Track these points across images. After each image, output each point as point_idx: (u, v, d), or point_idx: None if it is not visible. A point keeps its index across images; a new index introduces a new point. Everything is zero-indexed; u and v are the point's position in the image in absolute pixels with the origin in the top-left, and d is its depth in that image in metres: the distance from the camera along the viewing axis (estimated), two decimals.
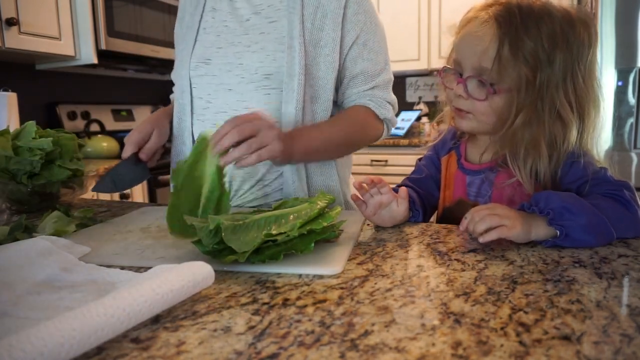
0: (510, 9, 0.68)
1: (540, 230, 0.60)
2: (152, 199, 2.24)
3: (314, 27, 0.92)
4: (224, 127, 0.73)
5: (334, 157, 0.99)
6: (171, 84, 1.12)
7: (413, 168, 0.93)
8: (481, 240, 0.58)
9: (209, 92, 0.96)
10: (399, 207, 0.72)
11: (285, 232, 0.55)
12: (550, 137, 0.69)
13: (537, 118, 0.68)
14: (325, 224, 0.59)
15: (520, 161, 0.70)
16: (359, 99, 0.97)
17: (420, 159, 0.92)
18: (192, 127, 1.00)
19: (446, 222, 0.79)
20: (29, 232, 0.68)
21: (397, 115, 1.03)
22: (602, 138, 0.73)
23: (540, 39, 0.66)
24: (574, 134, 0.69)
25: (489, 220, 0.59)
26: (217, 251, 0.55)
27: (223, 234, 0.53)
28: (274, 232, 0.55)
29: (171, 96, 1.16)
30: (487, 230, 0.59)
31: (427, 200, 0.84)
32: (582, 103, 0.69)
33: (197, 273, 0.45)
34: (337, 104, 1.00)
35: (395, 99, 1.03)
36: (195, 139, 0.87)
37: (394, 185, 0.76)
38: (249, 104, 0.92)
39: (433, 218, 0.87)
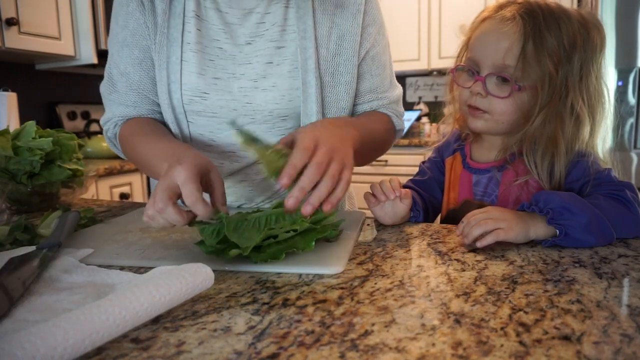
0: (533, 7, 0.69)
1: (540, 229, 0.60)
2: None
3: (329, 52, 0.82)
4: (293, 165, 0.55)
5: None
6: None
7: (413, 168, 0.93)
8: (478, 244, 0.59)
9: (210, 129, 0.84)
10: (402, 203, 0.72)
11: (288, 229, 0.56)
12: (567, 135, 0.70)
13: (556, 116, 0.69)
14: (325, 222, 0.59)
15: (538, 158, 0.71)
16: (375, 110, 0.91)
17: (423, 162, 0.92)
18: None
19: (451, 223, 0.79)
20: (28, 232, 0.68)
21: None
22: (609, 138, 0.75)
23: (562, 38, 0.68)
24: (586, 133, 0.71)
25: (483, 224, 0.59)
26: (219, 251, 0.56)
27: (225, 230, 0.54)
28: (275, 227, 0.55)
29: (109, 131, 0.87)
30: (483, 235, 0.59)
31: (430, 202, 0.84)
32: (594, 104, 0.71)
33: (197, 275, 0.45)
34: None
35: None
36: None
37: None
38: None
39: (437, 220, 0.87)
